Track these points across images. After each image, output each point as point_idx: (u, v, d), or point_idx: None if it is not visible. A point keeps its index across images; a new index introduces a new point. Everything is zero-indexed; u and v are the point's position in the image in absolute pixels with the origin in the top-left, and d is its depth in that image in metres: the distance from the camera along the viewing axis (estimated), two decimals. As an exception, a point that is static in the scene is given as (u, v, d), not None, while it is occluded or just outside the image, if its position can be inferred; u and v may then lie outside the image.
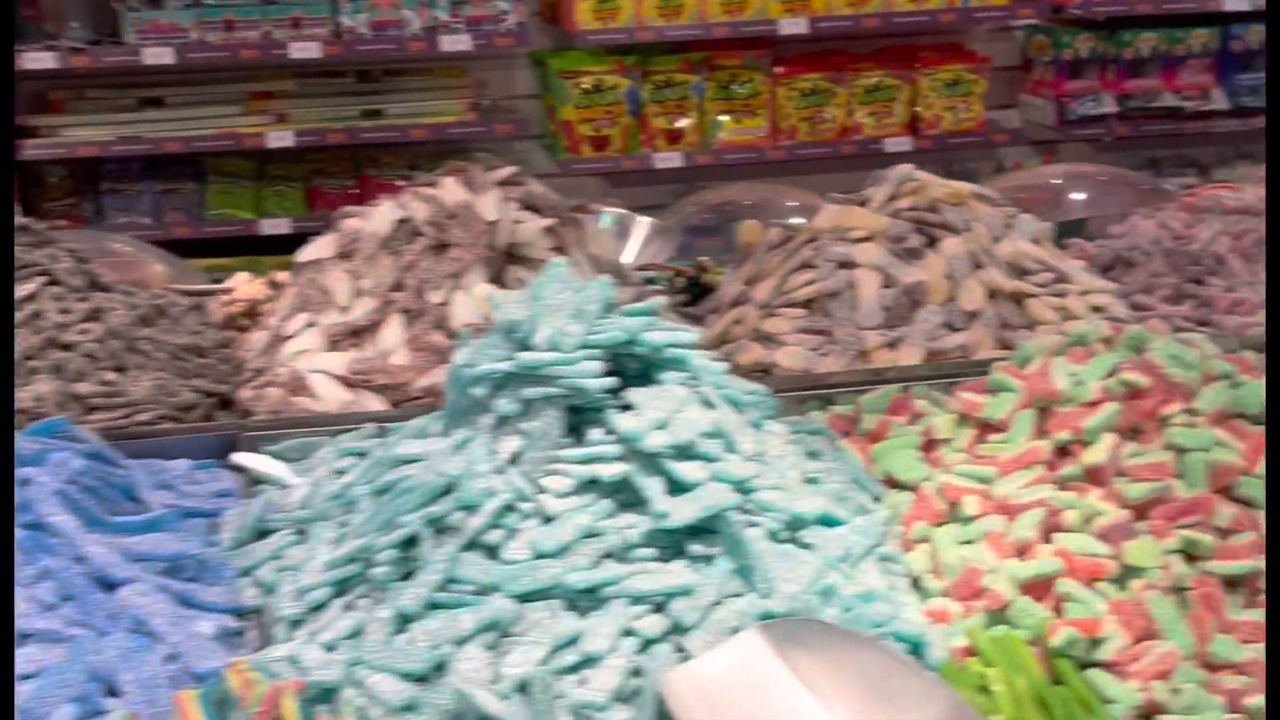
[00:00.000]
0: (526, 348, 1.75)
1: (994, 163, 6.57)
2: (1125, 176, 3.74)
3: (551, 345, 1.73)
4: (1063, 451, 1.92)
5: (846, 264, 2.47)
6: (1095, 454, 1.87)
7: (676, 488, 1.74)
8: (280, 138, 5.66)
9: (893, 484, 2.02)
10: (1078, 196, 3.46)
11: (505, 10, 5.67)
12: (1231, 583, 1.82)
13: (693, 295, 2.82)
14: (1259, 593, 1.81)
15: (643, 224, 3.13)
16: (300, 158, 5.95)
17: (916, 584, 1.88)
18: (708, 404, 1.83)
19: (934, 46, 6.29)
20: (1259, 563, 1.81)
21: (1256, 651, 1.75)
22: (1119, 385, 1.93)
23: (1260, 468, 1.87)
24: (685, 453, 1.75)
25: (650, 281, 2.84)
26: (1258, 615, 1.79)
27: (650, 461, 1.74)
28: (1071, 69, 6.26)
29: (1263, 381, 1.95)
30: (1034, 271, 2.47)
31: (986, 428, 2.00)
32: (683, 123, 6.14)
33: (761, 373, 2.43)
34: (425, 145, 5.96)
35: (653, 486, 1.72)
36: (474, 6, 5.66)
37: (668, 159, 6.15)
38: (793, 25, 5.88)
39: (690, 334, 1.82)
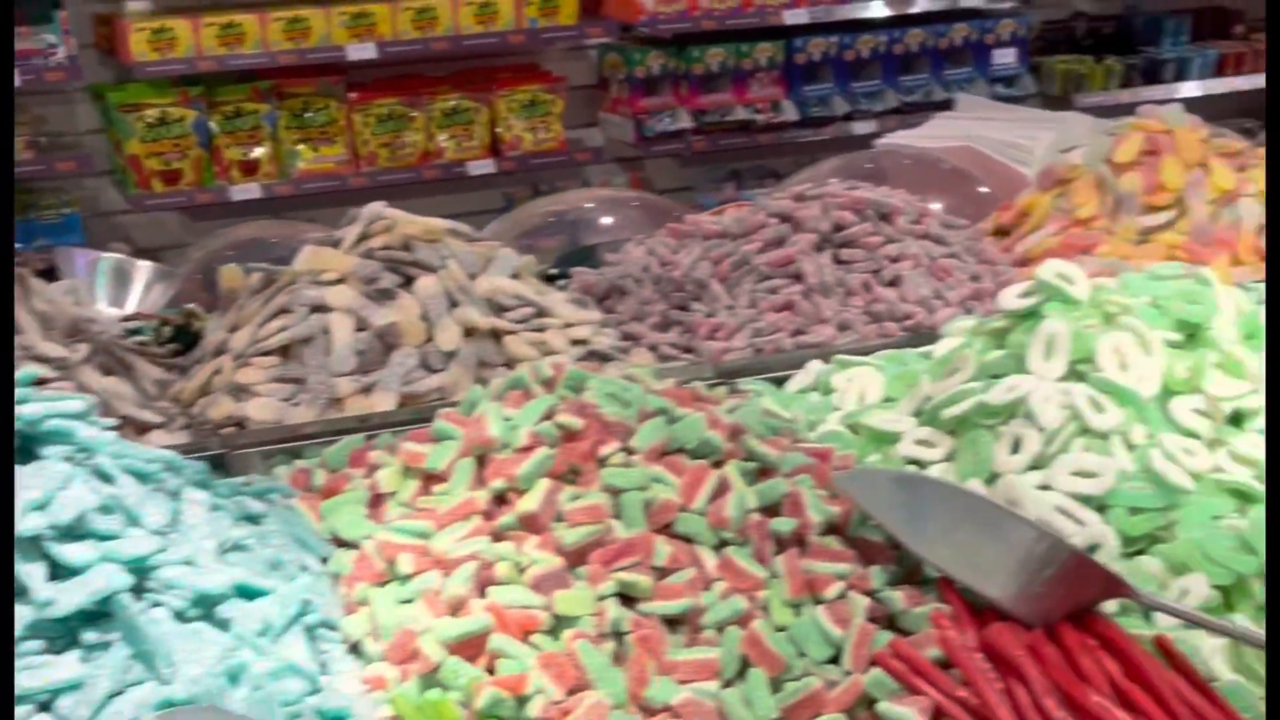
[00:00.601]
0: (-126, 431, 1.59)
1: (579, 181, 6.61)
2: (654, 202, 3.76)
3: (-99, 427, 1.59)
4: (501, 500, 1.87)
5: (320, 308, 2.38)
6: (529, 501, 1.82)
7: (67, 572, 1.62)
8: None
9: (341, 543, 1.93)
10: (605, 221, 3.45)
11: (54, 43, 5.41)
12: (672, 622, 1.80)
13: (185, 344, 2.68)
14: (700, 629, 1.79)
15: (144, 269, 2.97)
16: None
17: (358, 649, 1.80)
18: (105, 477, 1.70)
19: (510, 68, 6.30)
20: (698, 600, 1.79)
21: (694, 691, 1.72)
22: (554, 429, 1.89)
23: (696, 503, 1.85)
24: (72, 533, 1.62)
25: (135, 333, 2.69)
26: (698, 653, 1.76)
27: (31, 545, 1.60)
28: (646, 86, 6.33)
29: (700, 414, 1.93)
30: (513, 307, 2.42)
31: (432, 479, 1.93)
32: (257, 153, 5.99)
33: (235, 426, 2.32)
34: (-20, 187, 5.63)
35: (33, 573, 1.59)
36: (21, 40, 5.37)
37: (246, 190, 6.00)
38: (361, 50, 5.79)
39: (76, 402, 1.69)
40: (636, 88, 6.32)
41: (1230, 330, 2.01)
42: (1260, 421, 1.94)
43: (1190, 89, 7.05)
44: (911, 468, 2.03)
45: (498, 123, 6.22)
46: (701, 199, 6.33)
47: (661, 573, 1.81)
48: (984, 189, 3.41)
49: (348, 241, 2.46)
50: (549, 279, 2.87)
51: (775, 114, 6.43)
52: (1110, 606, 1.76)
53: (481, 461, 1.91)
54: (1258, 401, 1.94)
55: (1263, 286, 2.37)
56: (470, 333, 2.38)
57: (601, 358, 2.43)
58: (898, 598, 1.79)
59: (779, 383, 2.36)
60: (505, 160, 6.26)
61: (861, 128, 6.38)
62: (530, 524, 1.83)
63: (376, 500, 1.97)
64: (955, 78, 6.51)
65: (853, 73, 6.47)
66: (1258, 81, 7.14)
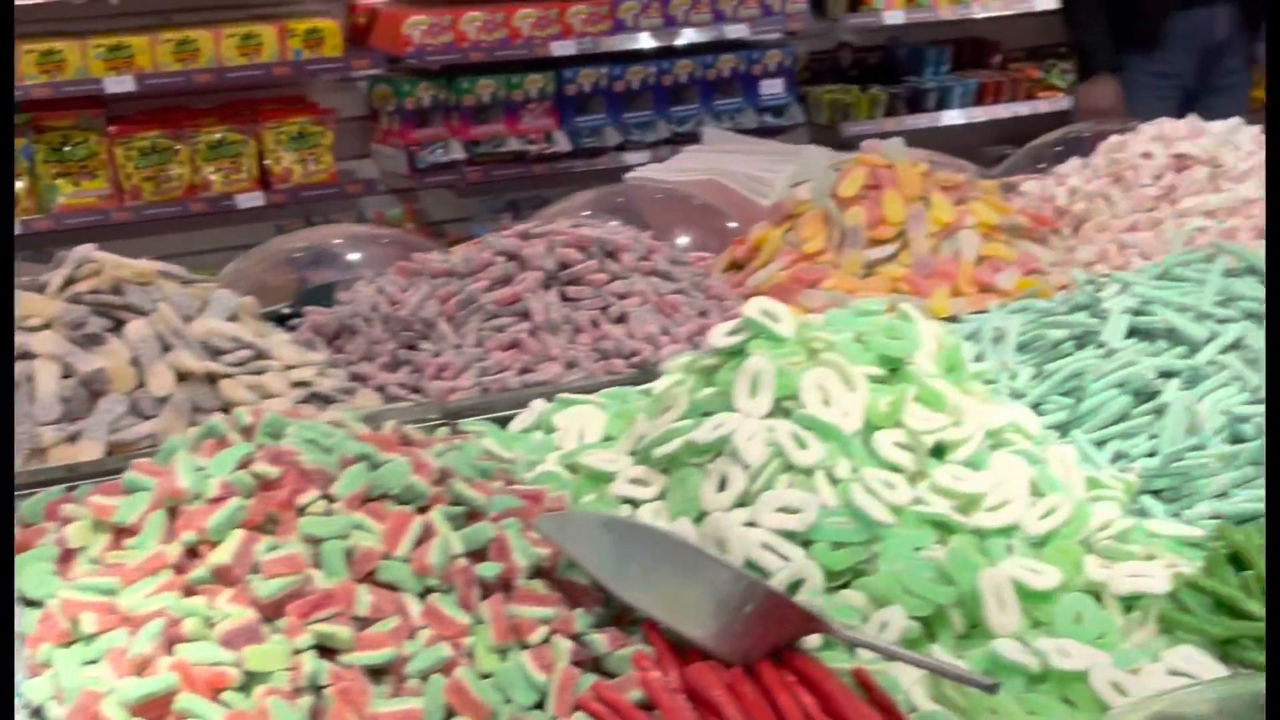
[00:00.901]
0: None
1: (354, 213, 6.54)
2: (403, 238, 3.71)
3: None
4: (195, 553, 1.81)
5: (25, 355, 2.29)
6: (221, 554, 1.77)
7: None
8: None
9: (29, 602, 1.85)
10: (353, 257, 3.39)
11: None
12: (376, 672, 1.76)
13: (-106, 395, 2.56)
14: (405, 679, 1.75)
15: None
16: None
17: (41, 714, 1.72)
18: None
19: (277, 100, 6.22)
20: (401, 649, 1.76)
21: (403, 743, 1.69)
22: (249, 478, 1.84)
23: (399, 549, 1.82)
24: None
25: None
26: (401, 704, 1.72)
27: None
28: (417, 118, 6.29)
29: (404, 459, 1.89)
30: (230, 350, 2.36)
31: (123, 532, 1.87)
32: (15, 187, 5.80)
33: (-67, 481, 2.21)
34: None
35: None
36: None
37: (3, 227, 5.79)
38: (119, 84, 5.68)
39: None
40: (408, 119, 6.28)
41: (930, 364, 2.04)
42: (961, 453, 1.97)
43: (953, 117, 7.25)
44: (626, 508, 2.02)
45: (266, 155, 6.12)
46: (478, 230, 6.30)
47: (364, 623, 1.77)
48: (732, 223, 3.43)
49: (54, 286, 2.37)
50: (284, 319, 2.81)
51: (548, 145, 6.43)
52: (814, 641, 1.77)
53: (174, 513, 1.85)
54: (958, 434, 1.97)
55: (973, 321, 2.42)
56: (184, 377, 2.31)
57: (324, 400, 2.38)
58: (601, 640, 1.77)
59: (505, 422, 2.34)
60: (276, 193, 6.16)
61: (634, 158, 6.41)
62: (223, 577, 1.77)
63: (67, 556, 1.89)
64: (725, 108, 6.58)
65: (624, 103, 6.50)
66: (1016, 109, 7.38)
